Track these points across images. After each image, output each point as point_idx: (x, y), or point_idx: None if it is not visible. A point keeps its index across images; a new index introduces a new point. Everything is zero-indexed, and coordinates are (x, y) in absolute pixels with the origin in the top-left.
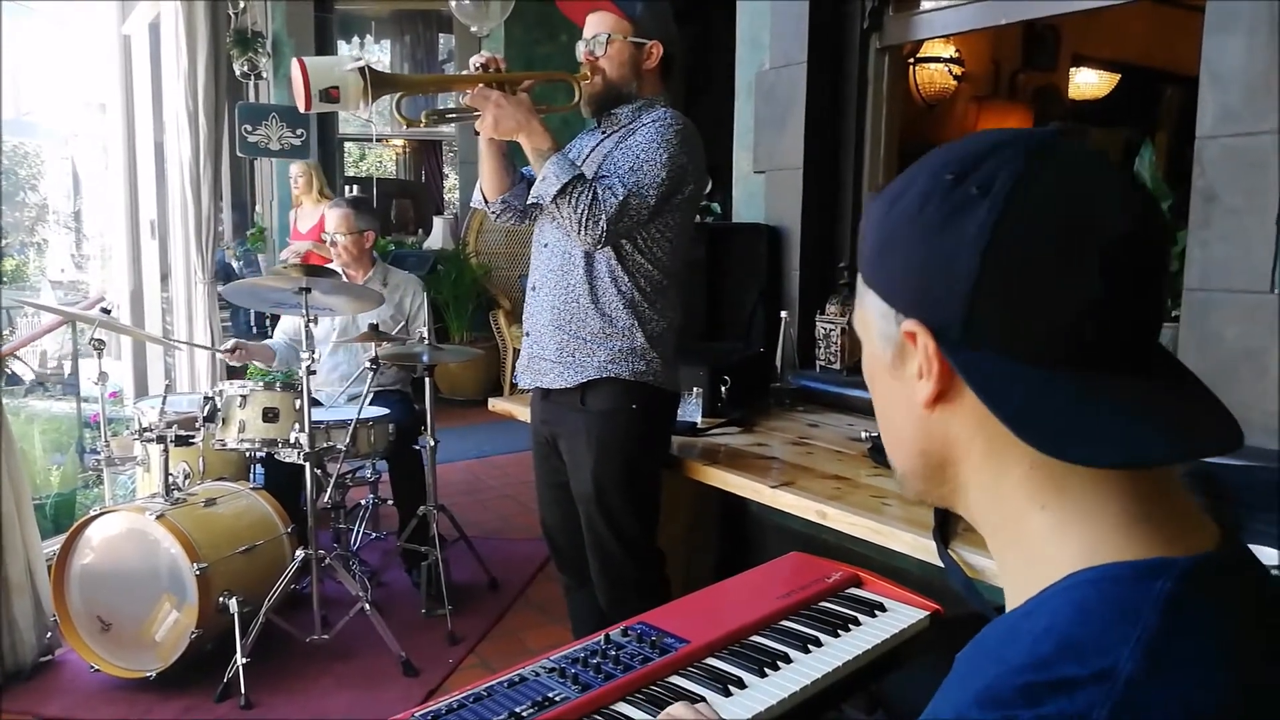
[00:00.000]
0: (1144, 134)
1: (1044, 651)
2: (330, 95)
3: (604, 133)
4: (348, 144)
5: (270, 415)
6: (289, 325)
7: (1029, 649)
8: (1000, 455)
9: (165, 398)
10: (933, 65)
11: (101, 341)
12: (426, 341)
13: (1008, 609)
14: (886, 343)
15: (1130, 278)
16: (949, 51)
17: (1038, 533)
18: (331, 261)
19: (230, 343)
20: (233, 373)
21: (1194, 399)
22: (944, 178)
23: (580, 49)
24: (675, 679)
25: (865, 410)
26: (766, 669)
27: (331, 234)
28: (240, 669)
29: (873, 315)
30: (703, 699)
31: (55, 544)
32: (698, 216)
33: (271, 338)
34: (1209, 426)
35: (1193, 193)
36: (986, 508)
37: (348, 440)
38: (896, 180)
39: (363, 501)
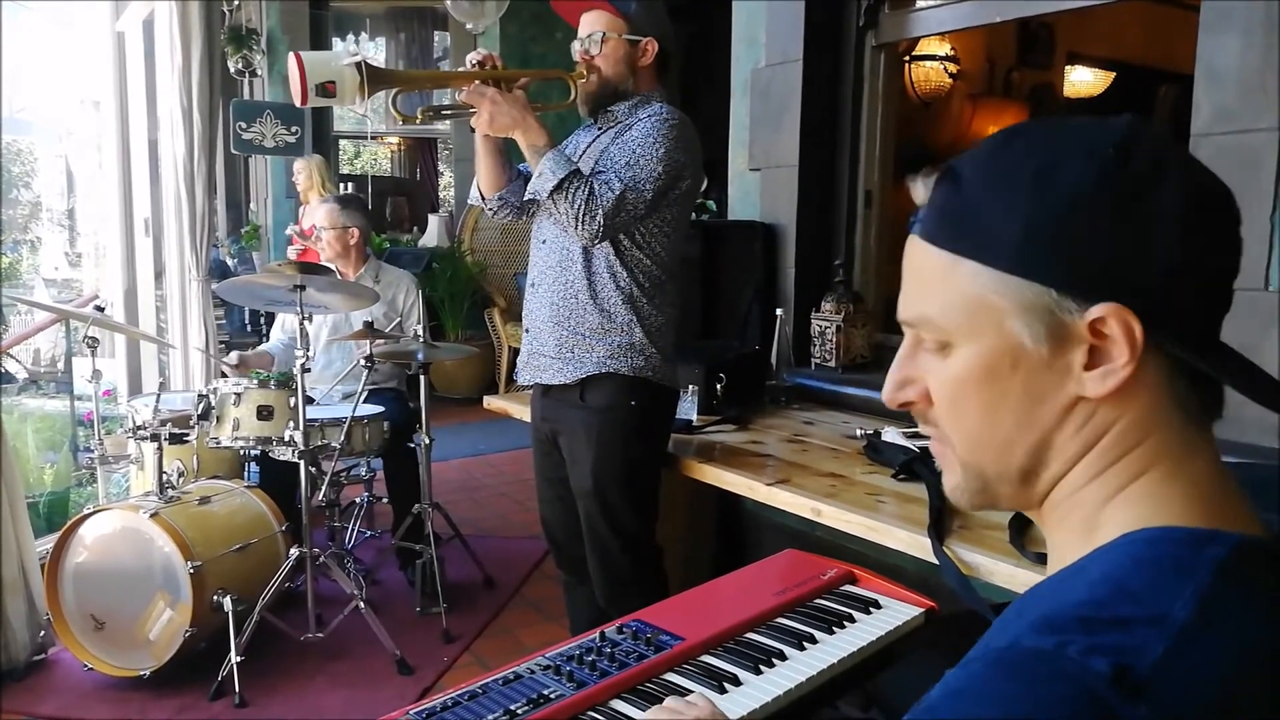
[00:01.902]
0: None
1: (1101, 595)
2: (326, 90)
3: (600, 129)
4: (342, 141)
5: (265, 413)
6: (286, 324)
7: (1086, 591)
8: (1131, 437)
9: (159, 396)
10: (928, 63)
11: (95, 339)
12: (420, 338)
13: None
14: (1034, 334)
15: (1216, 249)
16: (944, 49)
17: (1110, 506)
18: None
19: (234, 357)
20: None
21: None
22: (1105, 153)
23: (575, 48)
24: (670, 676)
25: (860, 408)
26: (762, 666)
27: (318, 229)
28: (234, 667)
29: (1003, 307)
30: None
31: (48, 542)
32: (693, 214)
33: (266, 337)
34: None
35: None
36: (1078, 489)
37: (342, 438)
38: (1027, 158)
39: (357, 499)
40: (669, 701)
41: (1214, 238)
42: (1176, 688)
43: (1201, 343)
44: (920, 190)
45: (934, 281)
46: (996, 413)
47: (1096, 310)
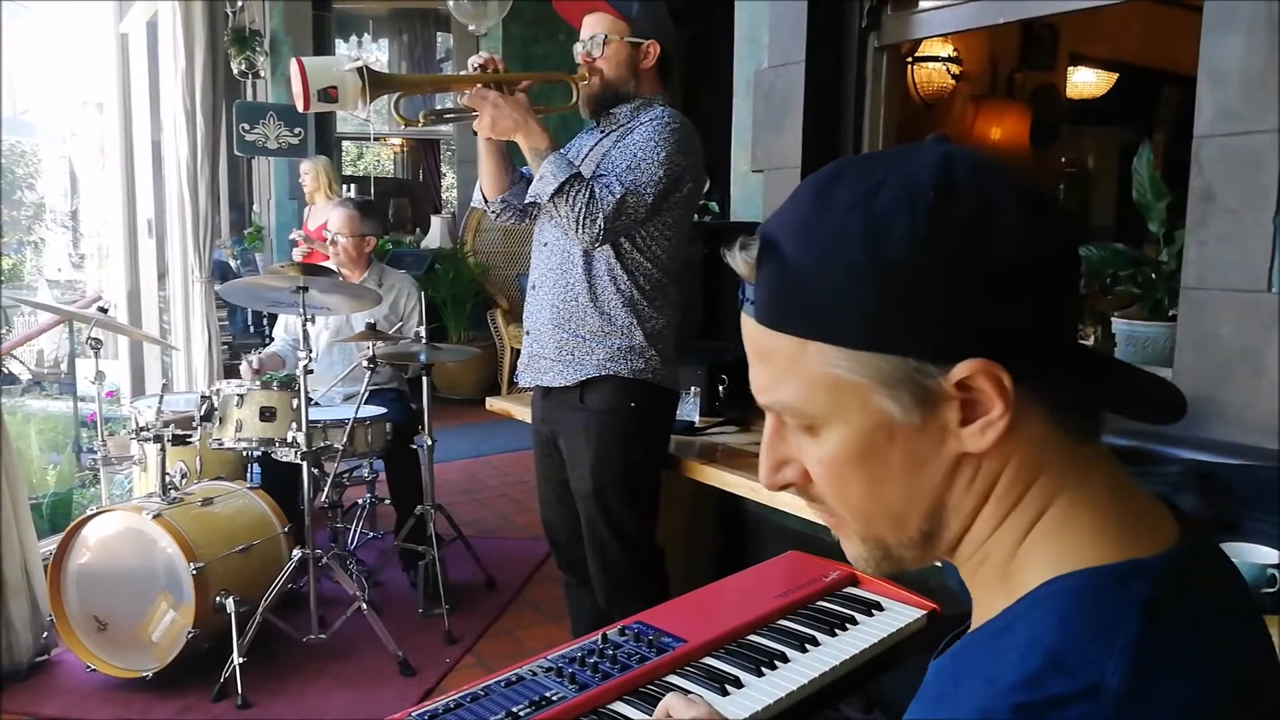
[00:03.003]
0: (1142, 133)
1: (1032, 667)
2: (329, 95)
3: (603, 132)
4: (345, 143)
5: (267, 414)
6: (288, 326)
7: (1018, 665)
8: (1022, 480)
9: (162, 397)
10: (931, 64)
11: (98, 340)
12: (421, 340)
13: (974, 621)
14: (902, 405)
15: (1058, 265)
16: (947, 50)
17: (1007, 542)
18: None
19: (255, 361)
20: (230, 372)
21: (1137, 371)
22: (929, 199)
23: (578, 50)
24: (672, 678)
25: None
26: (764, 668)
27: (333, 233)
28: (237, 668)
29: (863, 384)
30: (699, 697)
31: (52, 544)
32: (696, 215)
33: (269, 338)
34: (1167, 396)
35: (1190, 192)
36: (984, 540)
37: (345, 439)
38: (828, 218)
39: (360, 501)
40: (668, 698)
41: (1057, 259)
42: None
43: (1067, 365)
44: (740, 264)
45: (784, 366)
46: (882, 485)
47: (960, 370)
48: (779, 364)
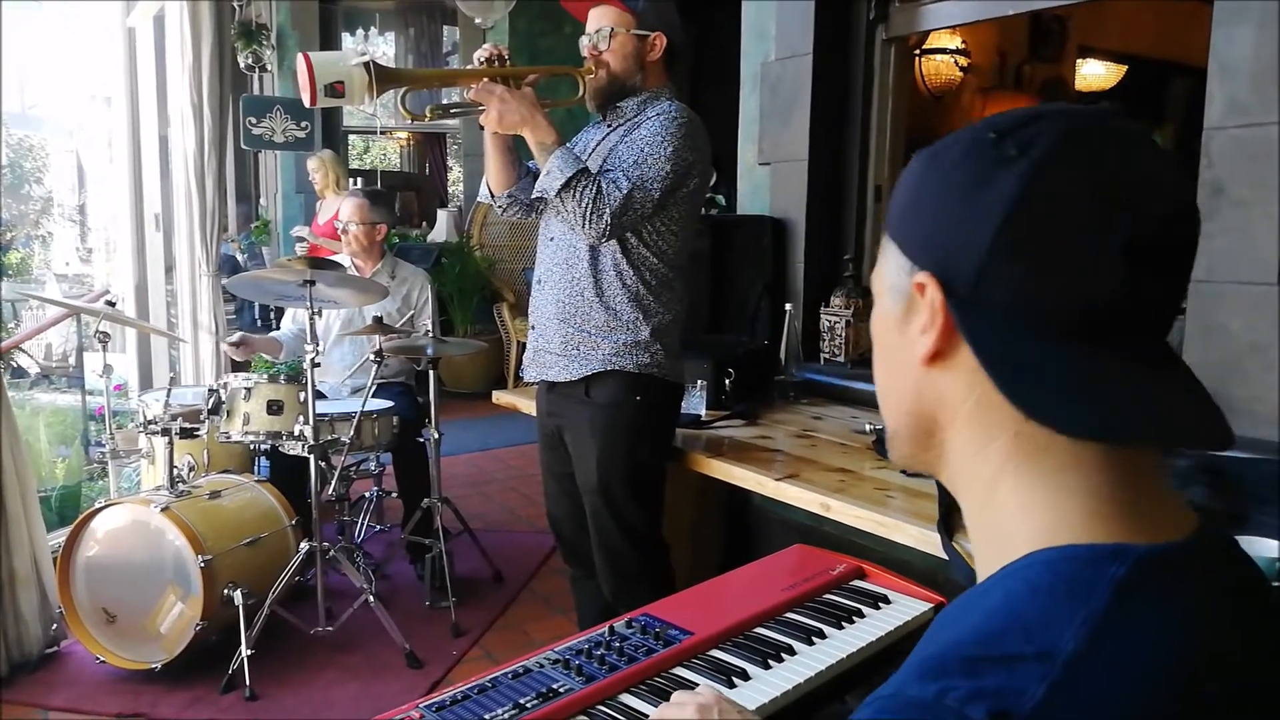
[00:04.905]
0: (1151, 126)
1: (993, 627)
2: (335, 90)
3: (609, 126)
4: (352, 137)
5: (275, 408)
6: (297, 316)
7: (979, 623)
8: (986, 421)
9: (170, 390)
10: (939, 56)
11: (106, 334)
12: (430, 335)
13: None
14: (897, 296)
15: (1155, 262)
16: (955, 43)
17: (1005, 507)
18: (336, 255)
19: (235, 335)
20: (237, 365)
21: (1190, 393)
22: (987, 135)
23: (584, 43)
24: (679, 671)
25: (870, 403)
26: (771, 661)
27: (344, 223)
28: (245, 661)
29: (889, 268)
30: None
31: (60, 536)
32: (702, 209)
33: (278, 330)
34: (1198, 421)
35: (1200, 184)
36: (967, 477)
37: (352, 433)
38: (944, 139)
39: (367, 494)
40: (676, 696)
41: (1037, 246)
42: None
43: (1011, 346)
44: None
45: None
46: (883, 371)
47: (918, 275)
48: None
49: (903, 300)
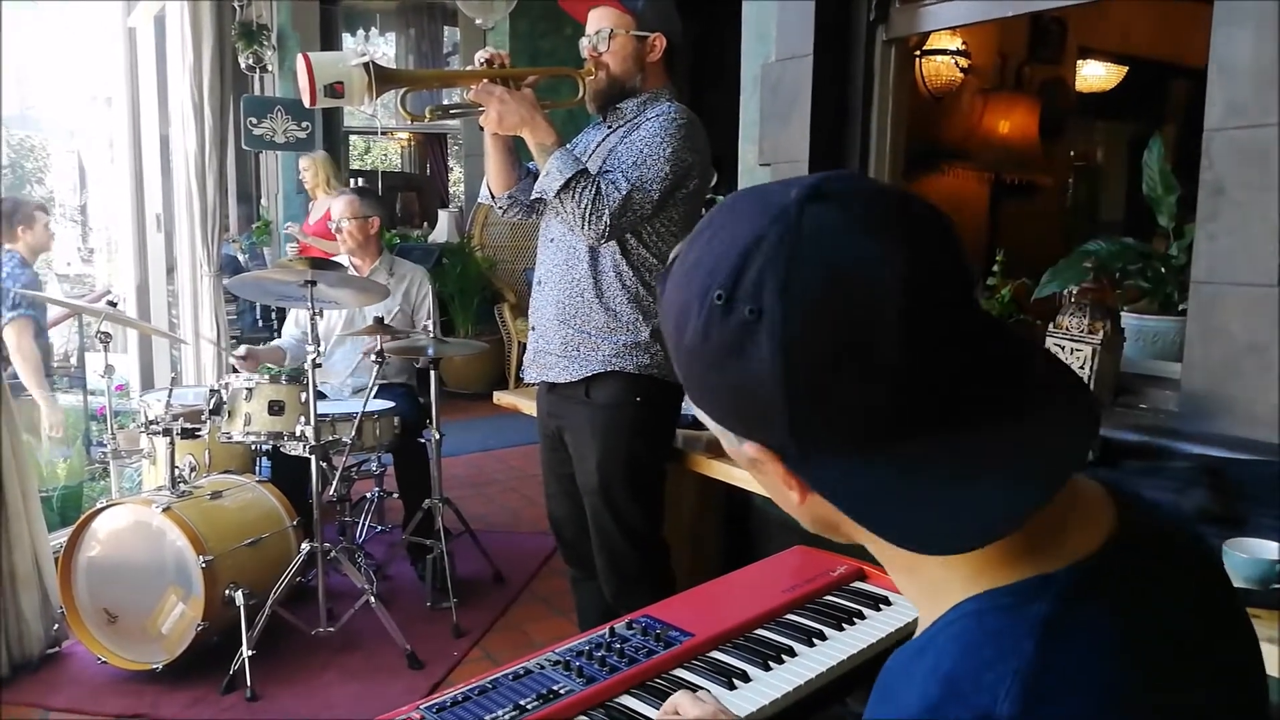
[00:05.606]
0: (1151, 127)
1: (932, 695)
2: (335, 90)
3: (609, 127)
4: (352, 137)
5: (276, 408)
6: (299, 319)
7: (920, 692)
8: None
9: (171, 391)
10: (939, 57)
11: (108, 334)
12: (430, 333)
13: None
14: (742, 459)
15: (927, 327)
16: (955, 44)
17: (929, 563)
18: (333, 255)
19: (242, 350)
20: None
21: (1038, 419)
22: (713, 301)
23: (584, 45)
24: (680, 672)
25: None
26: (771, 662)
27: (337, 220)
28: (246, 661)
29: (719, 434)
30: (706, 692)
31: (62, 536)
32: (703, 210)
33: (278, 334)
34: (1054, 448)
35: (1200, 186)
36: (889, 553)
37: (353, 433)
38: (666, 295)
39: (368, 495)
40: (676, 696)
41: (821, 384)
42: None
43: (851, 479)
44: None
45: None
46: (768, 491)
47: (747, 447)
48: None
49: (748, 460)
